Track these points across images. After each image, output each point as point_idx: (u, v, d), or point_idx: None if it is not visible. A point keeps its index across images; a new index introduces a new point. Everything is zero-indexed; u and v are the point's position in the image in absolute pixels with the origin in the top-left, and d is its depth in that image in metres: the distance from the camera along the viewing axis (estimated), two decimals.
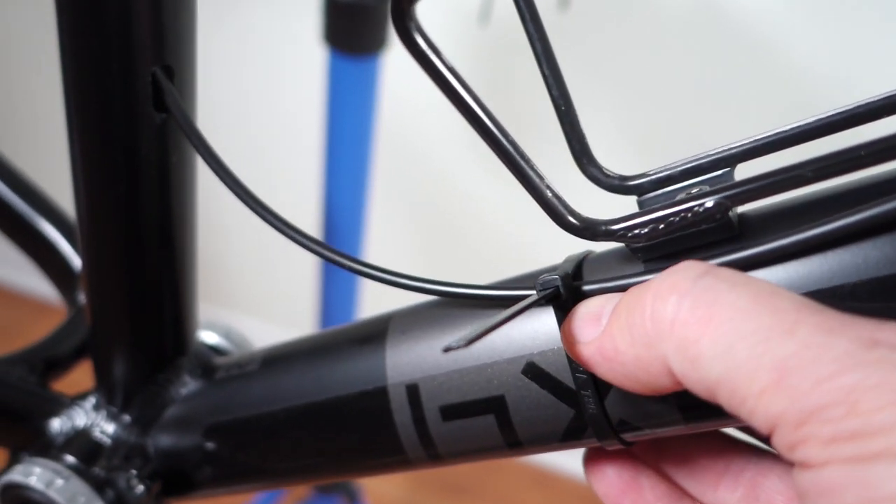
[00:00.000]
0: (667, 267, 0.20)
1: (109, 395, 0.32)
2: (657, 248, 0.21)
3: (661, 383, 0.18)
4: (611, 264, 0.22)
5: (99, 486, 0.30)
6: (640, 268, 0.21)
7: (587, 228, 0.21)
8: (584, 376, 0.21)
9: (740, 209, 0.21)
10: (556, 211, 0.20)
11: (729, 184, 0.19)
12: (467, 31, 0.90)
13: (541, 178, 0.20)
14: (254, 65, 1.10)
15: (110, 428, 0.32)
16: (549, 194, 0.20)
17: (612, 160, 0.96)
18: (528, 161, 0.20)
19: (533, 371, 0.22)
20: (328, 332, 0.29)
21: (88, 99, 0.25)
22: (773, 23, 0.82)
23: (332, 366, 0.27)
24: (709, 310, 0.16)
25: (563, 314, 0.21)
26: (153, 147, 0.27)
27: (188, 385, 0.32)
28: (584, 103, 1.00)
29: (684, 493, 0.24)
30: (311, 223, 0.77)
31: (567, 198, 0.21)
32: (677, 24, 0.85)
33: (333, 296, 0.79)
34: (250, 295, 1.34)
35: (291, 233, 0.26)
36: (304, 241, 0.26)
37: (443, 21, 0.92)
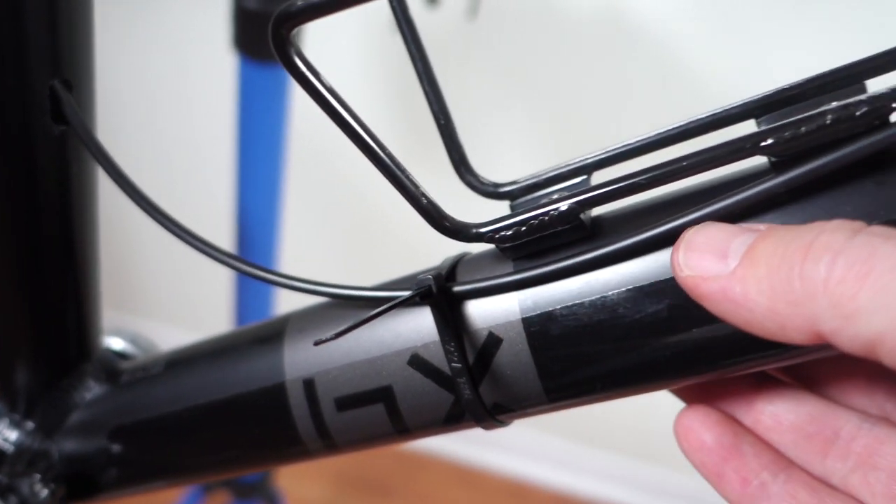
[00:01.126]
0: (534, 265, 0.23)
1: (12, 403, 0.33)
2: (523, 247, 0.23)
3: (794, 337, 0.17)
4: (483, 264, 0.24)
5: (1, 492, 0.30)
6: (510, 266, 0.24)
7: (460, 231, 0.23)
8: (459, 365, 0.23)
9: (596, 211, 0.23)
10: (432, 216, 0.23)
11: (581, 190, 0.22)
12: (382, 38, 0.92)
13: (416, 186, 0.22)
14: (164, 72, 1.09)
15: (13, 435, 0.32)
16: (425, 201, 0.22)
17: (525, 160, 0.99)
18: (404, 171, 0.22)
19: (417, 362, 0.24)
20: (230, 333, 0.30)
21: None
22: (673, 28, 0.87)
23: (233, 365, 0.28)
24: (866, 264, 0.16)
25: (438, 311, 0.23)
26: (52, 158, 0.27)
27: (92, 390, 0.32)
28: (498, 106, 1.03)
29: (791, 462, 0.23)
30: (225, 229, 0.78)
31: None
32: (583, 30, 0.90)
33: (249, 300, 0.79)
34: (164, 301, 1.32)
35: (189, 238, 0.27)
36: (197, 243, 0.27)
37: (357, 30, 0.94)
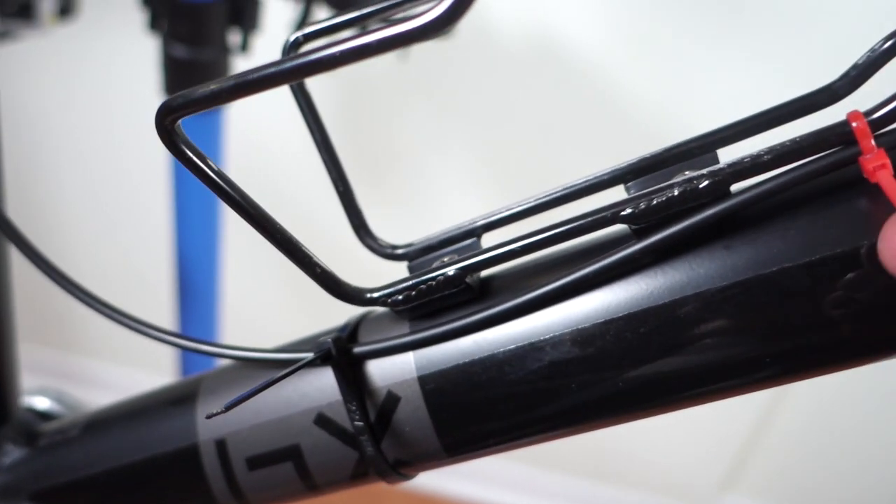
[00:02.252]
0: (427, 326, 0.24)
1: None
2: (418, 309, 0.24)
3: None
4: (383, 324, 0.26)
5: None
6: (407, 326, 0.25)
7: (354, 297, 0.24)
8: (361, 424, 0.24)
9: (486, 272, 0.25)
10: (328, 283, 0.24)
11: (466, 255, 0.23)
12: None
13: (310, 256, 0.23)
14: (93, 124, 1.08)
15: None
16: (319, 270, 0.23)
17: (467, 197, 1.00)
18: (297, 243, 0.23)
19: (322, 420, 0.25)
20: (146, 394, 0.31)
21: None
22: (605, 56, 0.90)
23: (148, 427, 0.29)
24: None
25: (339, 372, 0.24)
26: None
27: (11, 454, 0.32)
28: (440, 143, 1.04)
29: None
30: (165, 278, 0.77)
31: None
32: (518, 64, 0.92)
33: (192, 332, 0.79)
34: (109, 340, 1.30)
35: (90, 301, 0.28)
36: (99, 307, 0.28)
37: None
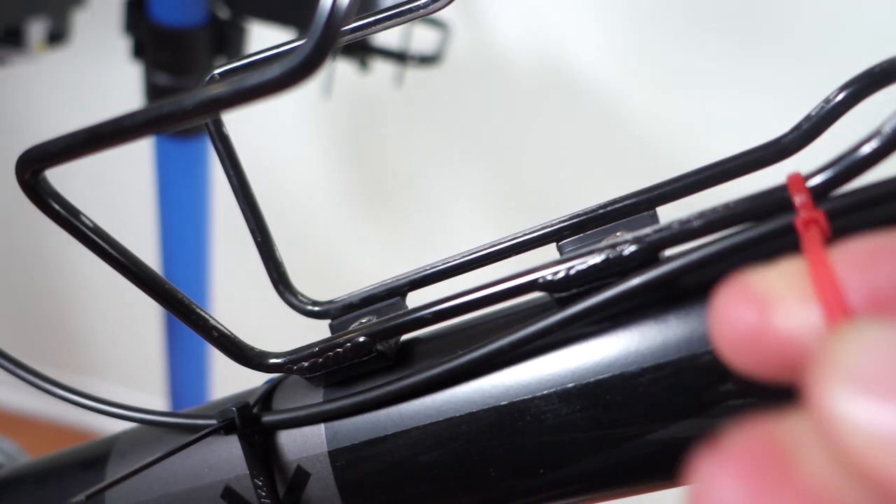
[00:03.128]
0: (339, 396, 0.22)
1: None
2: (330, 376, 0.22)
3: None
4: (298, 391, 0.23)
5: None
6: (320, 395, 0.23)
7: (257, 362, 0.22)
8: (269, 501, 0.22)
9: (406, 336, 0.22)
10: (227, 346, 0.21)
11: (382, 319, 0.21)
12: (316, 102, 0.92)
13: (205, 318, 0.21)
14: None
15: None
16: (216, 333, 0.21)
17: (472, 226, 0.98)
18: (190, 303, 0.21)
19: (229, 495, 0.23)
20: (60, 454, 0.29)
21: None
22: (615, 83, 0.88)
23: (56, 493, 0.27)
24: None
25: (245, 443, 0.22)
26: None
27: None
28: (447, 168, 1.03)
29: None
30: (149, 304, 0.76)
31: None
32: (527, 88, 0.90)
33: (181, 366, 0.77)
34: (105, 359, 1.29)
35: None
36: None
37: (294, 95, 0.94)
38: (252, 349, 0.22)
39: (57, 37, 0.67)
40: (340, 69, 0.75)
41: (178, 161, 0.62)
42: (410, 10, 0.20)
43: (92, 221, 0.19)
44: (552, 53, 0.88)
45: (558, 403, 0.19)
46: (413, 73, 0.73)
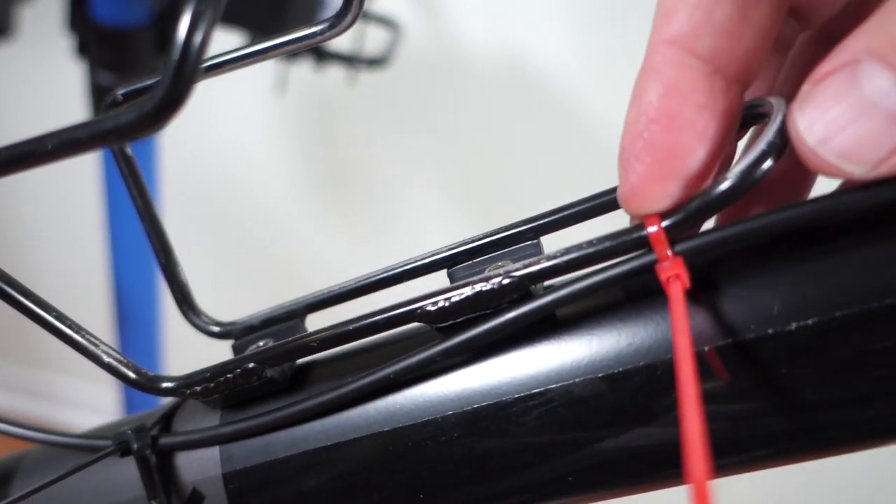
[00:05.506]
0: (233, 419, 0.22)
1: None
2: (227, 398, 0.22)
3: None
4: (197, 412, 0.24)
5: None
6: (217, 417, 0.23)
7: (149, 385, 0.22)
8: None
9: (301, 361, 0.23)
10: (117, 371, 0.22)
11: (269, 348, 0.21)
12: (269, 100, 0.91)
13: (95, 344, 0.21)
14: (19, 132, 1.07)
15: None
16: (106, 359, 0.21)
17: (441, 218, 0.98)
18: (79, 329, 0.21)
19: None
20: None
21: None
22: (578, 80, 0.88)
23: None
24: None
25: (141, 464, 0.22)
26: None
27: None
28: (413, 165, 1.02)
29: None
30: (101, 308, 0.75)
31: None
32: (490, 85, 0.90)
33: (133, 344, 0.76)
34: (62, 353, 1.28)
35: None
36: None
37: (247, 92, 0.93)
38: (146, 374, 0.22)
39: (1, 31, 0.66)
40: (295, 68, 0.74)
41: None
42: (299, 40, 0.20)
43: None
44: (515, 50, 0.88)
45: (437, 430, 0.19)
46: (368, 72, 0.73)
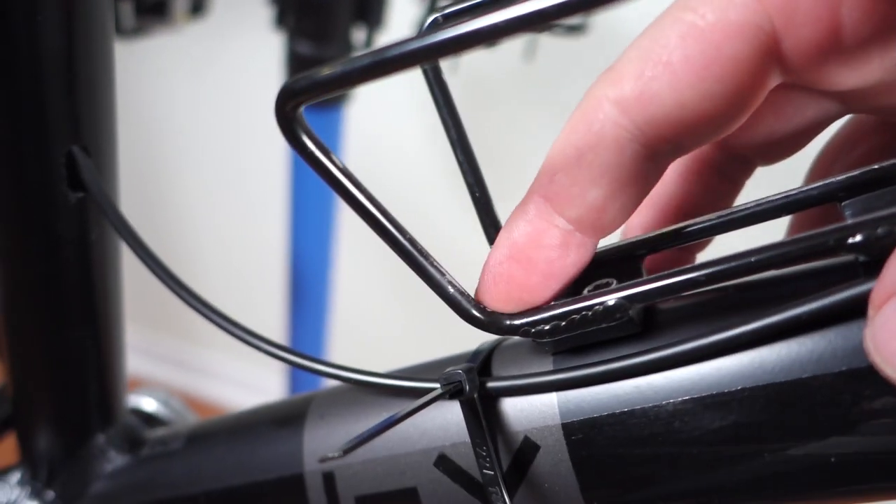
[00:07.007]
0: (576, 365, 0.20)
1: (34, 470, 0.32)
2: (564, 342, 0.20)
3: None
4: (521, 355, 0.22)
5: None
6: (549, 362, 0.21)
7: (491, 323, 0.20)
8: (492, 473, 0.21)
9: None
10: (459, 305, 0.20)
11: (631, 283, 0.19)
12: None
13: (442, 273, 0.20)
14: (218, 124, 1.10)
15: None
16: (451, 289, 0.20)
17: None
18: (427, 256, 0.20)
19: (444, 464, 0.22)
20: (250, 411, 0.28)
21: (1, 179, 0.25)
22: None
23: (251, 448, 0.26)
24: None
25: (469, 410, 0.21)
26: (71, 225, 0.26)
27: (113, 461, 0.31)
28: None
29: None
30: (276, 280, 0.77)
31: None
32: None
33: (302, 335, 0.78)
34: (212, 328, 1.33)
35: (200, 306, 0.26)
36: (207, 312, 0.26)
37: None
38: (484, 309, 0.20)
39: (197, 7, 0.68)
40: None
41: (316, 131, 0.62)
42: None
43: (342, 163, 0.18)
44: None
45: (853, 384, 0.16)
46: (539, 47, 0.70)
